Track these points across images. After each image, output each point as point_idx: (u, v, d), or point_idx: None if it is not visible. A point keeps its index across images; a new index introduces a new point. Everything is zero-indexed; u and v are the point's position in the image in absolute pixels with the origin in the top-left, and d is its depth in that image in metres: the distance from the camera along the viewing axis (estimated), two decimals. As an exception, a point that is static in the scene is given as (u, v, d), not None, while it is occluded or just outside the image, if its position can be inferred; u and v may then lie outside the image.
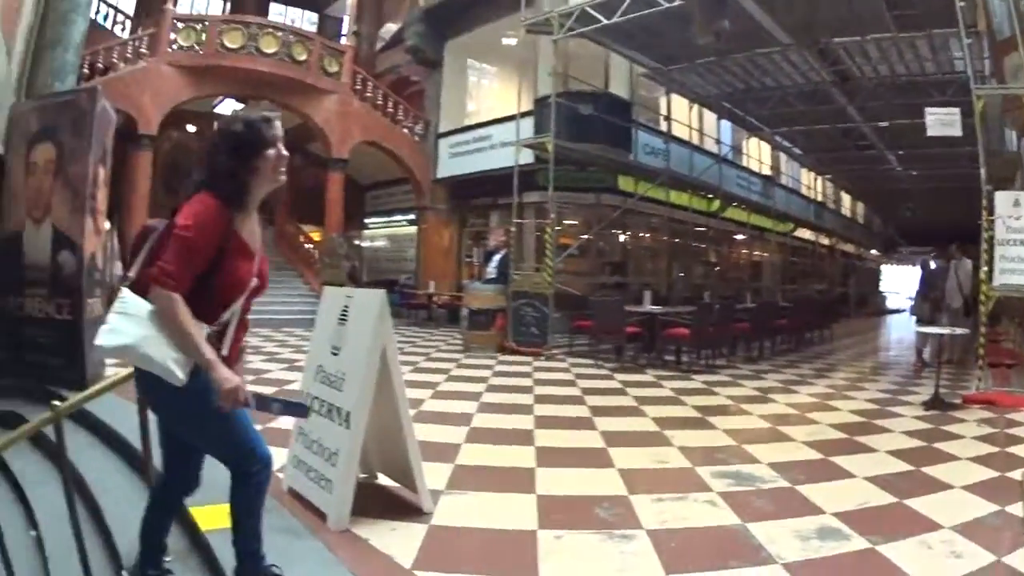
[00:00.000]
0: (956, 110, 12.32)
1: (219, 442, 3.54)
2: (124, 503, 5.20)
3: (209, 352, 3.26)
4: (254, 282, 3.54)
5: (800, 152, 27.22)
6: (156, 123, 21.79)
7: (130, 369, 4.08)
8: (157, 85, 21.75)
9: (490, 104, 25.89)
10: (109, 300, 13.18)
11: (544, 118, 18.17)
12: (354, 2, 29.72)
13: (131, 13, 29.64)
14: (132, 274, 3.50)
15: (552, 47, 17.52)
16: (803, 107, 19.47)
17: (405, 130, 26.37)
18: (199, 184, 3.46)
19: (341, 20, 34.29)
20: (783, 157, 29.84)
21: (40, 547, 5.31)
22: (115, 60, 21.22)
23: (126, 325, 3.29)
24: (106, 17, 27.41)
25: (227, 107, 27.05)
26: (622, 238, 23.36)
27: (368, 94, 26.11)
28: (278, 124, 3.63)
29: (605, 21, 15.90)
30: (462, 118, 26.14)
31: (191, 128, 28.30)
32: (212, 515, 4.40)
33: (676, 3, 13.52)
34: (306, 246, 27.93)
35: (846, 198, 40.50)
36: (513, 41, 22.25)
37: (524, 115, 18.88)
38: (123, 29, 27.98)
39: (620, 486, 5.78)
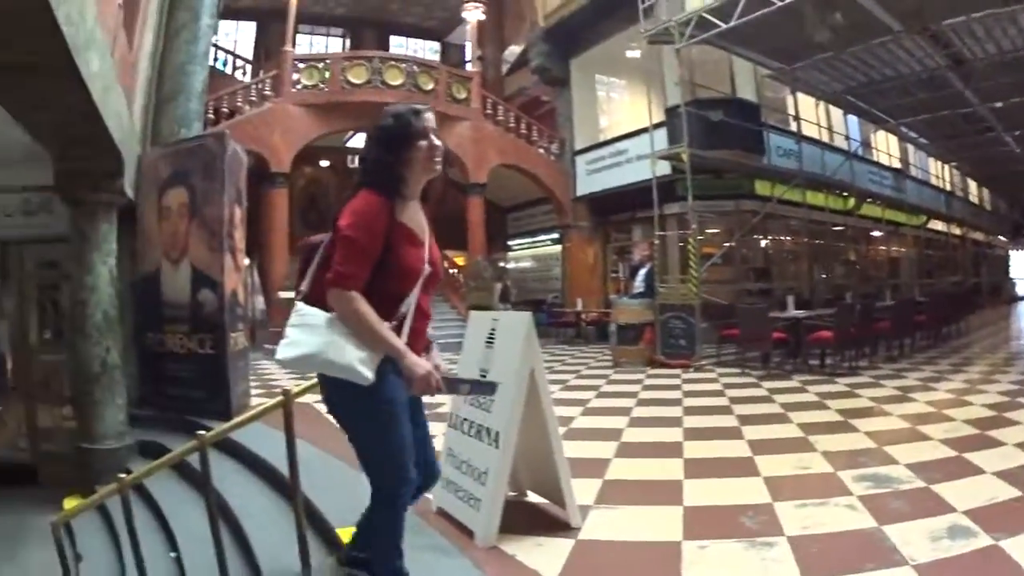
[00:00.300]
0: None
1: (378, 452, 3.55)
2: (269, 526, 5.51)
3: (398, 341, 3.36)
4: (427, 269, 3.59)
5: (925, 142, 26.35)
6: (288, 161, 22.32)
7: (277, 399, 4.63)
8: (285, 124, 22.28)
9: (622, 117, 25.67)
10: (252, 333, 13.64)
11: (676, 128, 17.96)
12: (474, 28, 29.42)
13: (250, 57, 30.42)
14: (304, 288, 3.61)
15: (675, 56, 17.38)
16: (923, 95, 18.97)
17: (541, 150, 26.40)
18: (358, 184, 3.59)
19: (463, 47, 34.46)
20: (911, 148, 28.97)
21: (180, 568, 5.61)
22: (240, 104, 21.80)
23: (305, 336, 3.41)
24: (225, 63, 28.19)
25: (359, 141, 27.21)
26: (763, 243, 23.09)
27: (500, 117, 26.21)
28: (429, 116, 3.67)
29: (723, 26, 15.71)
30: (596, 134, 26.03)
31: (324, 163, 28.80)
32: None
33: (788, 0, 13.40)
34: (451, 271, 27.71)
35: (972, 184, 39.07)
36: (637, 53, 22.24)
37: (656, 126, 18.69)
38: (244, 73, 28.71)
39: (764, 494, 5.74)
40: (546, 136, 26.85)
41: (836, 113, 23.30)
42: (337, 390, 3.47)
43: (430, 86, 24.64)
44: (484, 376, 5.08)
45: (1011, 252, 50.60)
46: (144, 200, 10.21)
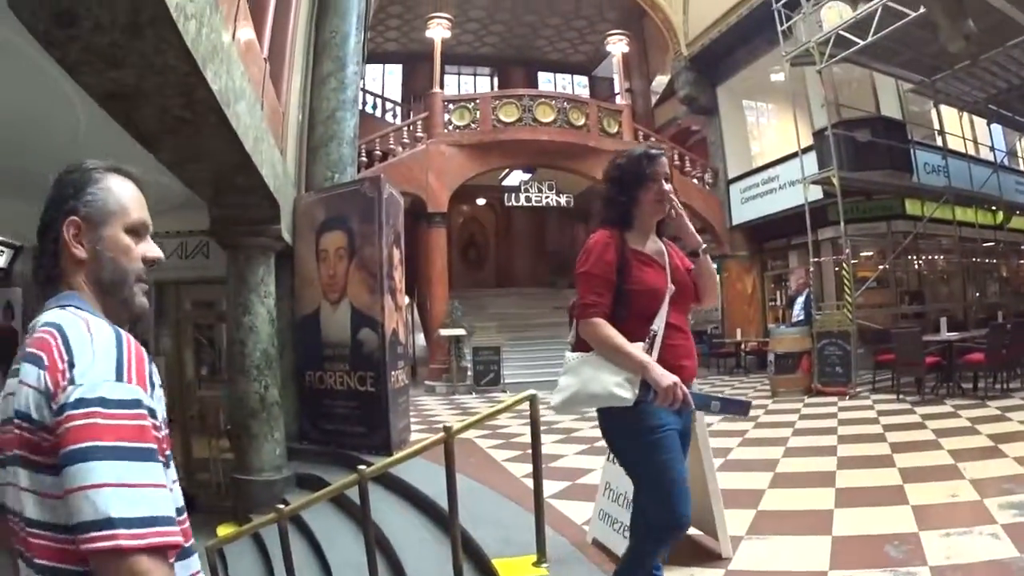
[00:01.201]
0: None
1: (651, 484, 3.59)
2: (425, 557, 5.77)
3: (641, 355, 3.46)
4: (670, 288, 3.69)
5: None
6: (445, 201, 22.63)
7: (438, 435, 4.96)
8: (439, 165, 22.62)
9: (772, 142, 25.51)
10: (412, 370, 13.96)
11: (824, 151, 17.92)
12: (620, 60, 29.52)
13: (398, 99, 31.03)
14: (570, 339, 3.85)
15: (818, 77, 17.34)
16: None
17: (695, 180, 26.29)
18: (597, 218, 3.89)
19: (612, 80, 34.50)
20: None
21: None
22: (392, 146, 22.32)
23: (567, 379, 3.62)
24: (375, 107, 28.80)
25: (514, 178, 27.69)
26: (916, 264, 22.62)
27: (653, 150, 26.25)
28: (663, 160, 3.93)
29: (861, 42, 15.65)
30: (748, 161, 25.94)
31: (481, 201, 29.16)
32: (512, 567, 4.84)
33: (922, 10, 13.17)
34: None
35: None
36: (781, 76, 22.10)
37: (805, 151, 18.67)
38: (394, 116, 29.31)
39: (911, 523, 5.73)
40: (699, 165, 26.79)
41: (980, 124, 22.60)
42: (608, 420, 3.67)
43: (581, 121, 24.86)
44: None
45: None
46: (301, 243, 10.62)
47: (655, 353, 3.54)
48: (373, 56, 22.86)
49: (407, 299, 13.10)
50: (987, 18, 13.92)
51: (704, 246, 3.94)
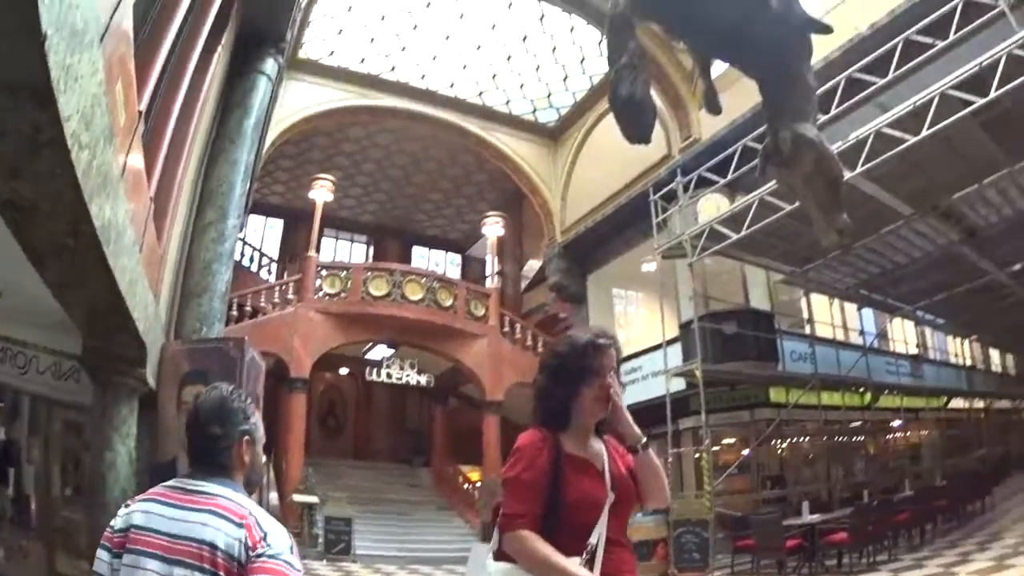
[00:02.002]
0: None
1: None
2: None
3: (576, 568, 3.04)
4: (610, 496, 3.29)
5: (943, 321, 26.43)
6: (308, 367, 22.51)
7: None
8: (306, 330, 22.57)
9: (640, 331, 25.90)
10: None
11: (690, 343, 18.23)
12: (494, 243, 30.48)
13: (276, 255, 31.09)
14: (492, 547, 3.33)
15: (689, 270, 17.80)
16: (938, 275, 19.16)
17: (559, 367, 26.37)
18: (532, 415, 3.46)
19: (484, 260, 35.07)
20: (928, 331, 29.00)
21: None
22: (263, 303, 22.28)
23: None
24: (251, 260, 28.79)
25: (378, 352, 27.63)
26: (779, 449, 22.91)
27: (517, 335, 26.75)
28: (611, 352, 3.44)
29: (735, 236, 16.17)
30: (614, 351, 26.00)
31: (344, 371, 29.12)
32: None
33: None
34: (465, 487, 27.91)
35: (995, 354, 38.78)
36: (652, 266, 22.49)
37: (670, 342, 18.91)
38: (269, 272, 29.33)
39: None
40: (564, 354, 26.88)
41: (851, 308, 23.43)
42: None
43: (449, 302, 25.34)
44: None
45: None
46: (164, 391, 10.30)
47: (597, 569, 3.20)
48: (256, 207, 22.89)
49: (263, 458, 12.96)
50: (863, 205, 14.56)
51: (645, 440, 3.48)
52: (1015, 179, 14.76)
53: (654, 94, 17.46)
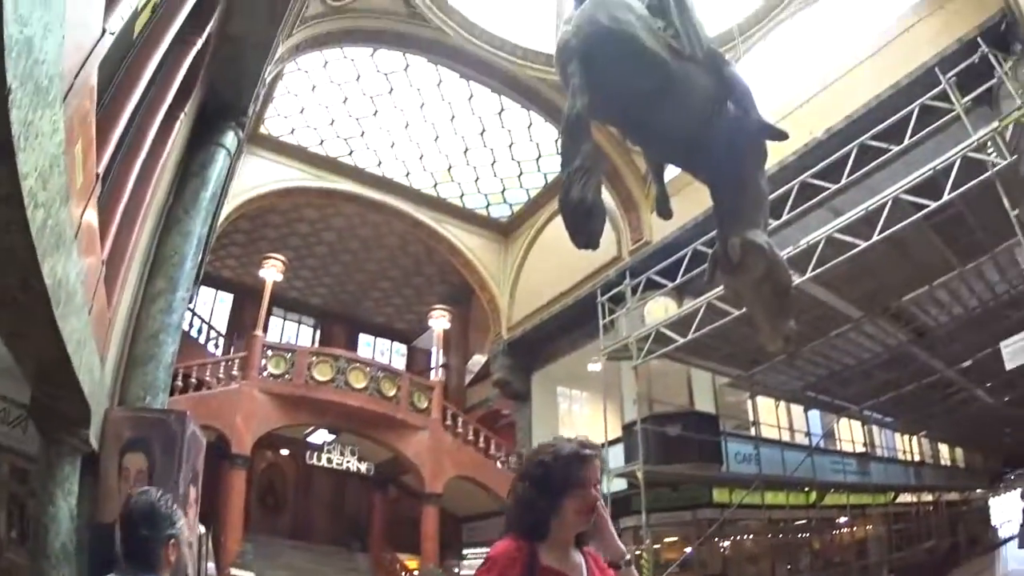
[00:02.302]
0: (1032, 329, 11.93)
1: None
2: None
3: None
4: None
5: (891, 420, 26.37)
6: (249, 445, 22.31)
7: None
8: (249, 408, 22.37)
9: (583, 431, 25.01)
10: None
11: (632, 444, 18.30)
12: (441, 336, 30.65)
13: (224, 329, 30.91)
14: None
15: (633, 373, 17.88)
16: (887, 375, 19.19)
17: (499, 464, 26.43)
18: (506, 523, 3.27)
19: (430, 352, 35.07)
20: (875, 429, 29.05)
21: None
22: (208, 377, 22.01)
23: None
24: (200, 331, 28.55)
25: (320, 436, 27.52)
26: (722, 548, 22.77)
27: (459, 429, 26.54)
28: (596, 463, 3.29)
29: (681, 340, 16.30)
30: (556, 449, 25.88)
31: (285, 452, 28.91)
32: None
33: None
34: (402, 575, 27.63)
35: (943, 448, 38.80)
36: (598, 366, 22.55)
37: (613, 442, 19.02)
38: (216, 346, 29.11)
39: None
40: (504, 449, 27.02)
41: (797, 409, 23.51)
42: None
43: (392, 392, 25.26)
44: None
45: (991, 499, 48.90)
46: (106, 455, 10.18)
47: None
48: (207, 279, 22.93)
49: (203, 528, 12.83)
50: (811, 309, 14.67)
51: (628, 556, 3.38)
52: (966, 279, 14.93)
53: (606, 196, 17.63)
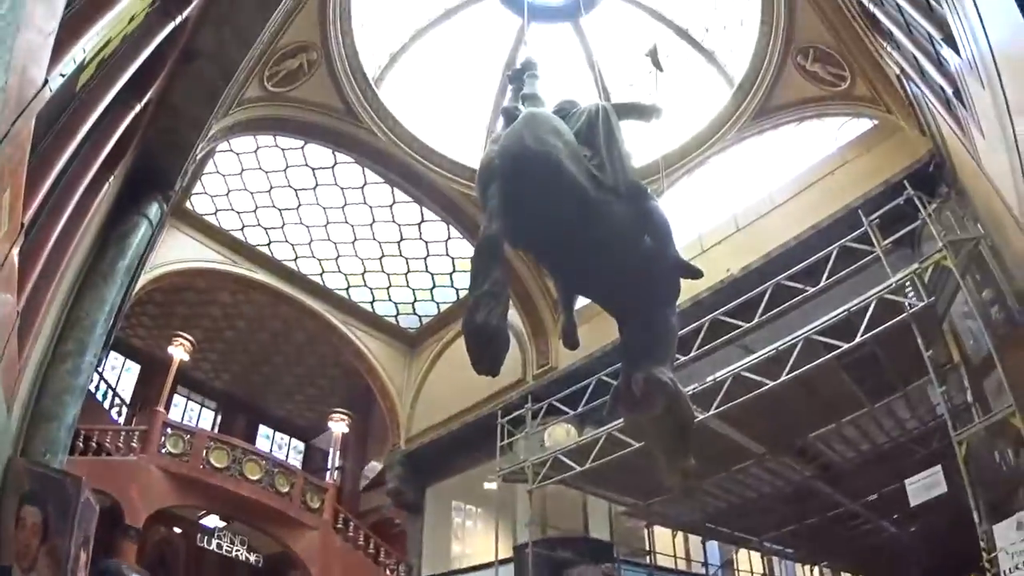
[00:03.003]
0: (937, 468, 12.30)
1: None
2: None
3: None
4: None
5: (792, 551, 25.87)
6: (142, 518, 21.89)
7: None
8: (145, 483, 22.10)
9: (476, 547, 25.72)
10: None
11: (523, 566, 18.13)
12: (339, 438, 30.54)
13: (128, 398, 30.35)
14: None
15: (528, 496, 17.87)
16: (788, 508, 19.13)
17: (389, 572, 26.34)
18: None
19: (327, 452, 34.83)
20: (775, 559, 28.49)
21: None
22: (108, 444, 21.77)
23: None
24: (105, 395, 27.88)
25: (212, 521, 26.83)
26: None
27: (351, 533, 26.45)
28: None
29: (578, 468, 16.31)
30: (447, 562, 25.78)
31: (177, 529, 28.39)
32: None
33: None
34: None
35: None
36: (494, 485, 22.37)
37: (503, 562, 18.95)
38: (119, 413, 28.47)
39: None
40: (395, 558, 26.88)
41: (694, 539, 22.85)
42: None
43: (286, 488, 25.20)
44: None
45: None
46: (7, 502, 10.13)
47: None
48: (117, 344, 22.58)
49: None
50: (714, 443, 14.63)
51: None
52: (875, 417, 15.02)
53: (515, 317, 17.75)
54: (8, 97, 3.96)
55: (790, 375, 13.21)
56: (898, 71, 13.76)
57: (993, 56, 6.96)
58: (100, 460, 21.08)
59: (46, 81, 5.06)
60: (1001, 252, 11.85)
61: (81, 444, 19.92)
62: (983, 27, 6.86)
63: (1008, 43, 6.45)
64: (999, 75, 7.07)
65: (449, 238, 24.08)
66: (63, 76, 5.71)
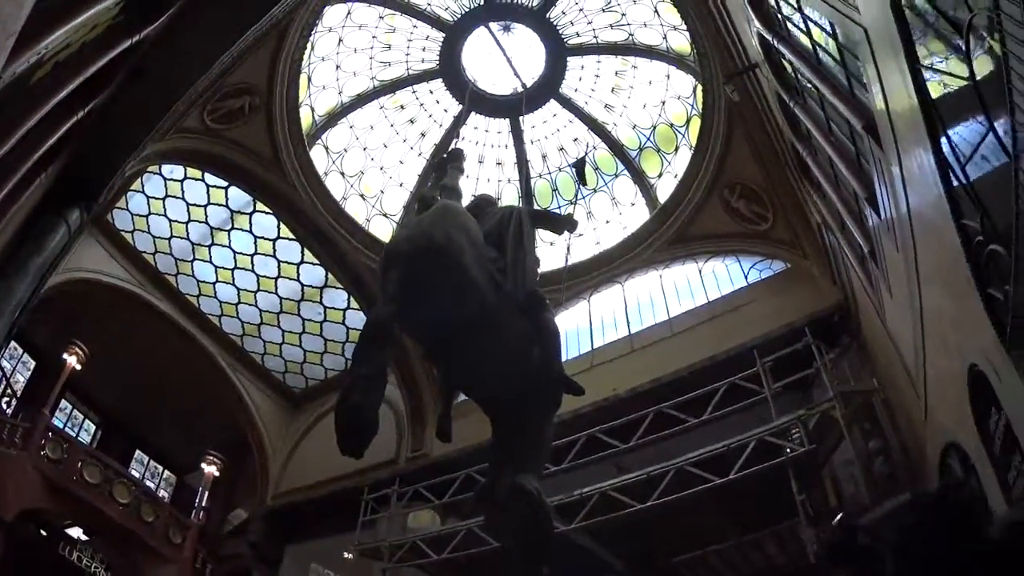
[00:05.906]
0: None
1: None
2: None
3: None
4: None
5: None
6: (12, 513, 21.75)
7: None
8: (19, 480, 22.00)
9: None
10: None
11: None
12: (209, 478, 30.51)
13: (19, 393, 30.08)
14: None
15: (382, 573, 18.13)
16: None
17: (244, 618, 25.68)
18: None
19: (197, 491, 34.71)
20: None
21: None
22: (-8, 434, 21.32)
23: None
24: (-1, 383, 27.68)
25: (75, 532, 26.69)
26: None
27: (207, 574, 26.47)
28: None
29: (435, 556, 16.80)
30: (299, 622, 25.21)
31: (44, 533, 28.13)
32: None
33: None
34: None
35: None
36: (353, 555, 22.65)
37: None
38: (8, 405, 28.27)
39: None
40: (251, 611, 26.41)
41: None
42: None
43: (151, 519, 25.11)
44: None
45: None
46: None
47: None
48: (19, 337, 23.47)
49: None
50: (574, 555, 14.95)
51: None
52: (742, 549, 15.27)
53: (398, 397, 18.21)
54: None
55: (659, 500, 13.70)
56: (820, 220, 14.51)
57: (911, 223, 7.74)
58: (-18, 448, 20.96)
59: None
60: (894, 407, 12.60)
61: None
62: (905, 194, 7.65)
63: (926, 213, 7.08)
64: (914, 242, 7.86)
65: (348, 308, 24.93)
66: (15, 73, 5.98)
